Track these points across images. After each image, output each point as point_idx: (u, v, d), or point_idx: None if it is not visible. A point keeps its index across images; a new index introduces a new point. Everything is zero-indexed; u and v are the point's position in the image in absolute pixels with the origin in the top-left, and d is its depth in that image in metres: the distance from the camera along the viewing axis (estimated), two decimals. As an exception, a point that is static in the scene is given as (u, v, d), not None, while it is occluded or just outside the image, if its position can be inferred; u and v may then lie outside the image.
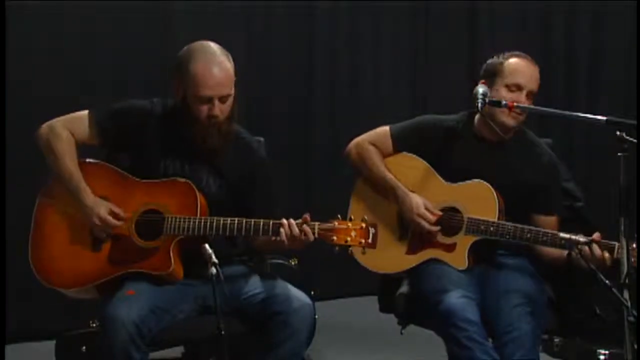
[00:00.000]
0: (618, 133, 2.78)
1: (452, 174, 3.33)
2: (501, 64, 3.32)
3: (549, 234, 3.14)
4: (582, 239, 3.07)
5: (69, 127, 3.13)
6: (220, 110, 3.05)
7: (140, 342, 2.87)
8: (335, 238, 2.93)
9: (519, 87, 3.27)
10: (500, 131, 3.25)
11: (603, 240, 3.04)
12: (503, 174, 3.30)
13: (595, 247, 3.04)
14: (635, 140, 2.78)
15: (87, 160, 3.18)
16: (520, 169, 3.34)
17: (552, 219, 3.35)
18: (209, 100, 3.04)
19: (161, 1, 5.03)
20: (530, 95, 3.28)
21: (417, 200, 3.29)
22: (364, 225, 2.93)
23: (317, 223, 2.96)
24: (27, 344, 4.46)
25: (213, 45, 3.10)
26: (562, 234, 3.12)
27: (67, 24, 4.73)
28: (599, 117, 2.91)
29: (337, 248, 2.95)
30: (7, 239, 4.07)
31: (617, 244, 2.97)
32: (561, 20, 5.96)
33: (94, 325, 3.87)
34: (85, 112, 3.17)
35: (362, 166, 3.43)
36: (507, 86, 3.28)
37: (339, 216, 2.98)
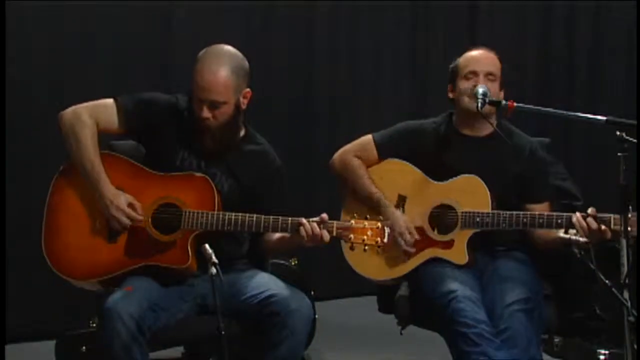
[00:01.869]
0: (618, 133, 2.78)
1: (441, 174, 3.34)
2: (456, 64, 3.42)
3: (545, 216, 3.16)
4: (577, 214, 3.08)
5: (94, 115, 3.12)
6: (213, 115, 3.06)
7: (141, 340, 2.87)
8: (352, 237, 2.99)
9: (474, 73, 3.34)
10: (470, 117, 3.31)
11: (599, 214, 3.04)
12: (489, 168, 3.31)
13: (591, 220, 3.04)
14: (635, 140, 2.78)
15: (105, 152, 3.17)
16: (504, 161, 3.36)
17: (542, 206, 3.36)
18: (200, 102, 3.07)
19: (161, 1, 5.03)
20: (490, 77, 3.33)
21: (399, 220, 3.30)
22: (380, 224, 2.99)
23: (335, 222, 3.01)
24: (27, 344, 4.46)
25: (224, 51, 3.12)
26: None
27: (67, 24, 4.73)
28: (599, 117, 2.91)
29: (353, 246, 3.00)
30: (8, 239, 4.08)
31: (611, 215, 2.99)
32: (561, 20, 5.97)
33: (94, 325, 3.88)
34: (110, 100, 3.16)
35: (345, 178, 3.45)
36: (465, 77, 3.35)
37: (356, 215, 3.03)
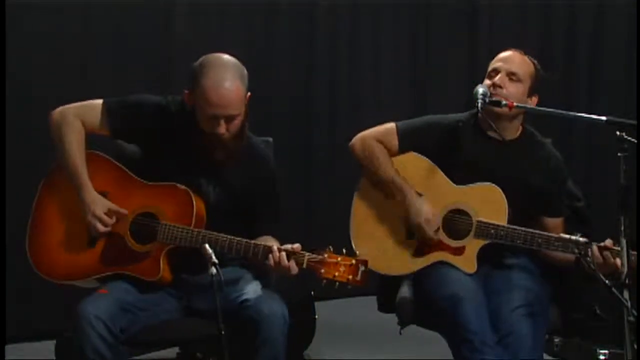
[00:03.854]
0: (618, 133, 2.78)
1: (460, 173, 3.30)
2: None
3: (561, 240, 3.10)
4: (594, 245, 3.04)
5: (81, 116, 3.11)
6: (227, 129, 3.01)
7: (111, 340, 2.86)
8: (323, 271, 2.90)
9: (495, 71, 3.30)
10: (495, 126, 3.24)
11: (615, 247, 2.99)
12: (510, 174, 3.28)
13: (607, 254, 3.02)
14: (635, 140, 2.78)
15: (95, 152, 3.17)
16: (527, 169, 3.31)
17: (557, 221, 3.34)
18: (215, 119, 2.99)
19: (161, 1, 5.03)
20: (513, 77, 3.27)
21: (425, 207, 3.26)
22: (354, 261, 2.90)
23: (307, 254, 2.93)
24: (27, 344, 4.46)
25: (227, 61, 3.03)
26: (573, 238, 3.07)
27: (67, 23, 4.73)
28: (599, 117, 2.91)
29: (324, 281, 2.92)
30: (8, 239, 4.08)
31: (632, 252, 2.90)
32: (561, 20, 5.97)
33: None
34: (99, 101, 3.15)
35: (367, 163, 3.37)
36: (487, 76, 3.31)
37: (330, 248, 2.93)
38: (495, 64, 3.33)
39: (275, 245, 2.96)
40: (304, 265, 2.93)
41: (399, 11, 5.87)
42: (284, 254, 2.93)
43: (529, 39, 5.85)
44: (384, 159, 3.34)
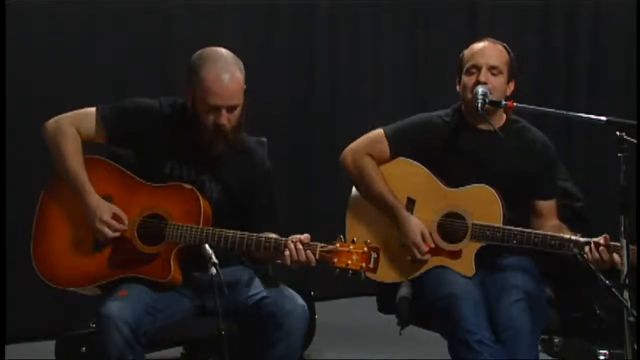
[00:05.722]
0: (618, 133, 2.78)
1: (453, 167, 3.30)
2: (462, 56, 3.34)
3: (557, 238, 3.10)
4: (592, 241, 3.04)
5: (76, 124, 3.11)
6: (228, 119, 3.02)
7: (135, 344, 2.86)
8: (336, 260, 2.91)
9: (476, 67, 3.28)
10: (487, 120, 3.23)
11: (611, 243, 3.00)
12: (500, 162, 3.29)
13: (603, 250, 3.02)
14: (635, 140, 2.78)
15: (95, 157, 3.16)
16: (515, 154, 3.31)
17: (550, 204, 3.34)
18: (217, 109, 3.00)
19: (161, 1, 5.03)
20: (494, 71, 3.26)
21: (414, 228, 3.24)
22: (366, 249, 2.91)
23: (319, 244, 2.93)
24: (27, 344, 4.46)
25: (225, 53, 3.06)
26: (570, 237, 3.09)
27: (67, 24, 4.73)
28: (599, 117, 2.91)
29: (337, 270, 2.93)
30: (8, 239, 4.08)
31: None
32: (561, 20, 5.97)
33: (94, 325, 3.87)
34: (93, 108, 3.14)
35: (359, 179, 3.38)
36: (467, 71, 3.29)
37: (342, 237, 2.96)
38: (474, 59, 3.30)
39: (289, 240, 2.95)
40: (317, 256, 2.93)
41: (398, 11, 5.87)
42: (300, 245, 2.92)
43: (529, 39, 5.86)
44: (375, 174, 3.34)
